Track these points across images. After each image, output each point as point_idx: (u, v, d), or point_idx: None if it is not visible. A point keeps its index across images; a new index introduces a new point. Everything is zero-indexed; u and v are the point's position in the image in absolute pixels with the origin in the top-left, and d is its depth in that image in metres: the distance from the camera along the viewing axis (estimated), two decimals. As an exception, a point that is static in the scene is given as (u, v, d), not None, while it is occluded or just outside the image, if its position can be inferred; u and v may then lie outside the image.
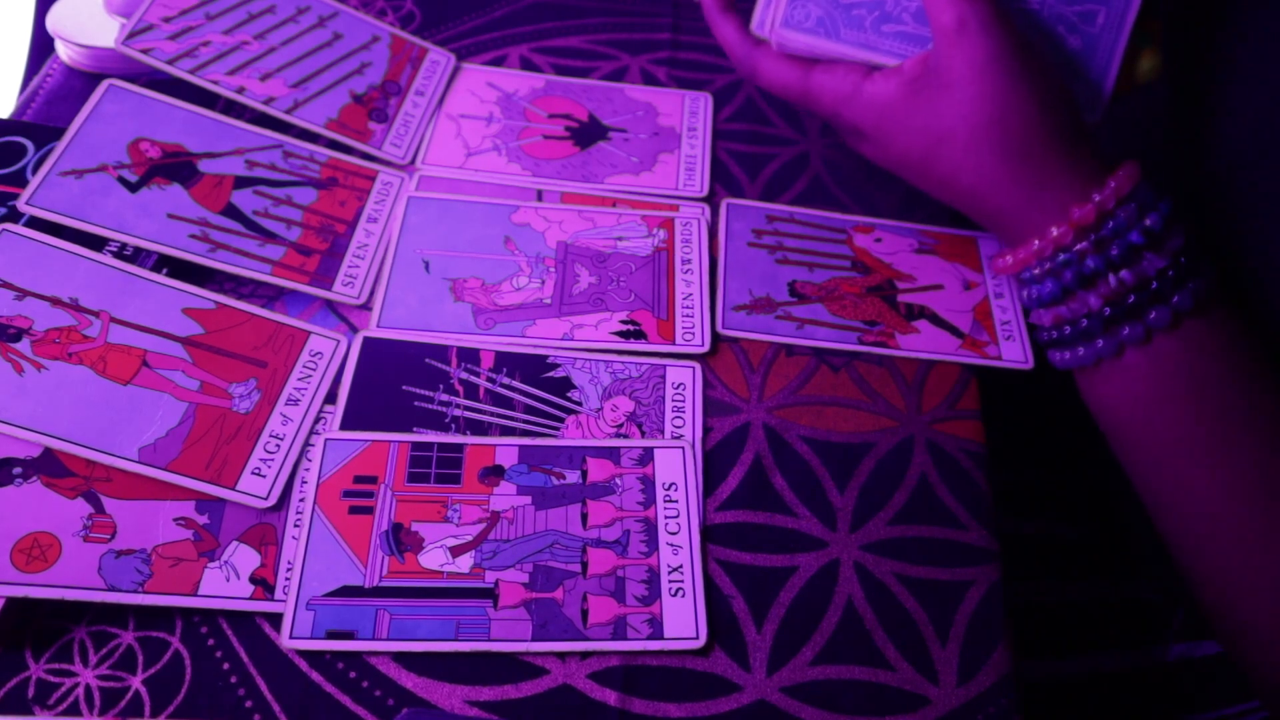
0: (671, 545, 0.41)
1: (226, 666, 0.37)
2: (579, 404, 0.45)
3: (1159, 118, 0.52)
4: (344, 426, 0.43)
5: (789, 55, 0.46)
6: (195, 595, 0.38)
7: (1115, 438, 0.43)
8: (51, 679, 0.37)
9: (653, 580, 0.40)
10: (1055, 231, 0.41)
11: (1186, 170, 0.48)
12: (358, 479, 0.41)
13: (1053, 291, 0.41)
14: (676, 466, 0.43)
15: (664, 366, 0.46)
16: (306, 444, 0.43)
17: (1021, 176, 0.41)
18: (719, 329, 0.48)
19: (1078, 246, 0.40)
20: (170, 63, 0.52)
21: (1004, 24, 0.41)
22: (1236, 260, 0.44)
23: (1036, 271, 0.42)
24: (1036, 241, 0.41)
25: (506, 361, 0.46)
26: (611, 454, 0.43)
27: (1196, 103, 0.48)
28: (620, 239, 0.51)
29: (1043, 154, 0.41)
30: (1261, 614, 0.39)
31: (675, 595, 0.40)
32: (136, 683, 0.37)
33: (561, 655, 0.38)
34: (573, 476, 0.42)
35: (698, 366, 0.47)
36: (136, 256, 0.46)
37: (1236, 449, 0.39)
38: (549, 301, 0.48)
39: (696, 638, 0.39)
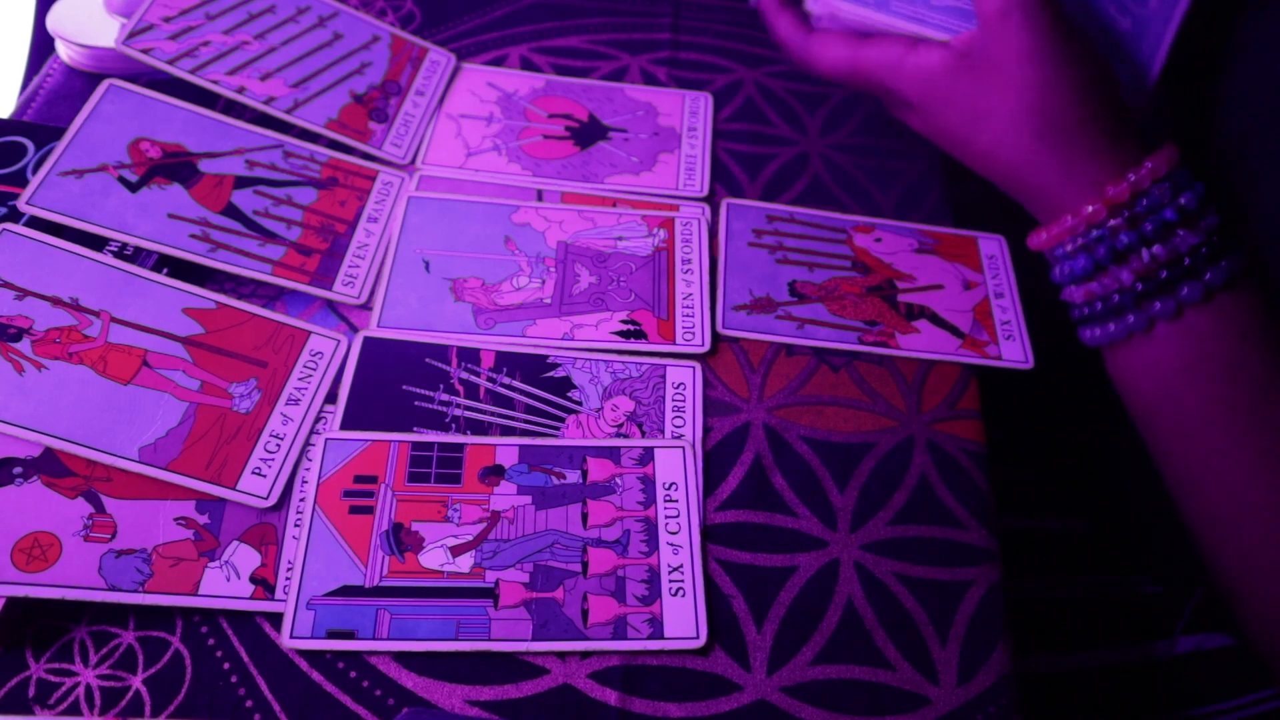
0: (671, 545, 0.41)
1: (227, 666, 0.37)
2: (579, 404, 0.45)
3: (1158, 115, 0.52)
4: (344, 426, 0.43)
5: (839, 35, 0.48)
6: (195, 595, 0.38)
7: (1143, 416, 0.43)
8: (52, 679, 0.37)
9: (653, 580, 0.40)
10: (1090, 209, 0.41)
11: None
12: (358, 479, 0.41)
13: (1085, 267, 0.42)
14: (676, 466, 0.43)
15: (664, 366, 0.46)
16: (307, 444, 0.43)
17: (1059, 156, 0.42)
18: (719, 329, 0.48)
19: (1111, 223, 0.41)
20: (170, 63, 0.52)
21: (1048, 9, 0.41)
22: None
23: (1069, 247, 0.42)
24: (1070, 218, 0.42)
25: (507, 361, 0.46)
26: (612, 454, 0.43)
27: (1190, 101, 0.48)
28: (620, 239, 0.51)
29: (1082, 136, 0.42)
30: None
31: (675, 595, 0.40)
32: (137, 682, 0.37)
33: (562, 655, 0.38)
34: (573, 476, 0.42)
35: (698, 366, 0.47)
36: (137, 256, 0.46)
37: (1264, 426, 0.39)
38: (549, 301, 0.48)
39: (696, 637, 0.39)
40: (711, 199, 0.54)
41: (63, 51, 0.56)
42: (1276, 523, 0.39)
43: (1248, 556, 0.40)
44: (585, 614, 0.39)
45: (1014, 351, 0.49)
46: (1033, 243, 0.44)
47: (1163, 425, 0.42)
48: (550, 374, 0.46)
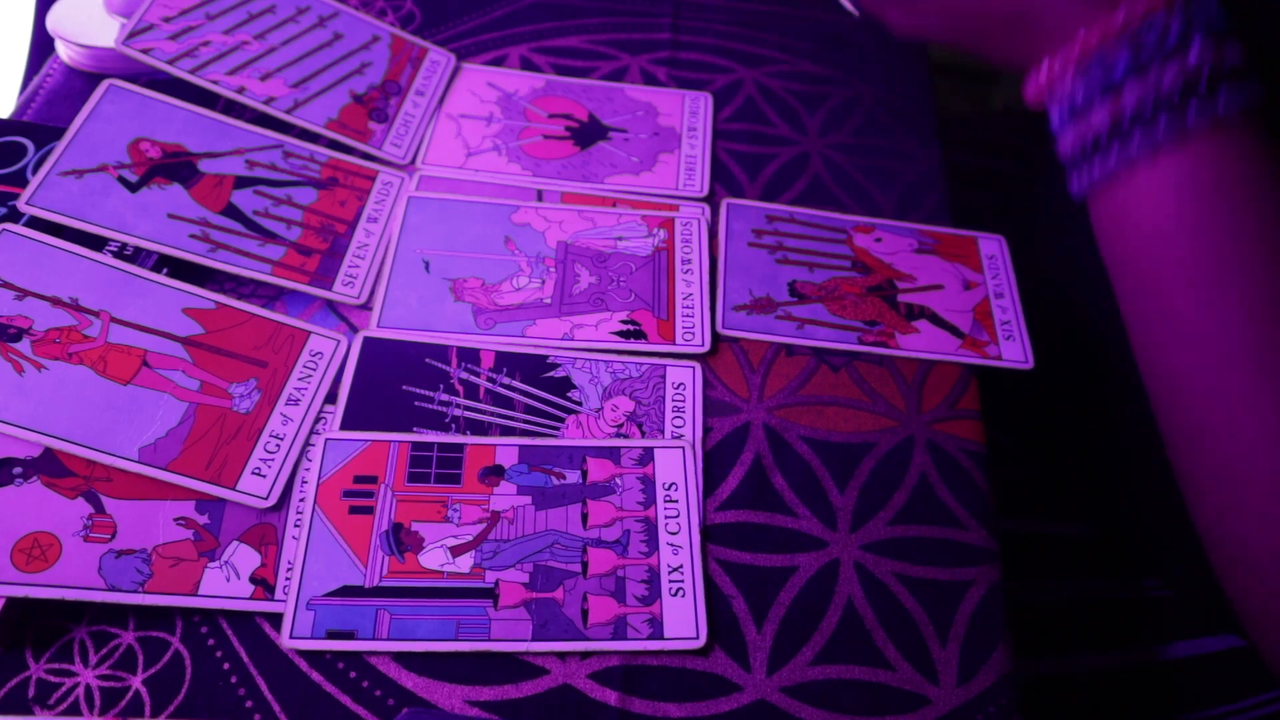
0: (671, 545, 0.41)
1: (227, 666, 0.37)
2: (579, 404, 0.45)
3: None
4: (344, 426, 0.43)
5: None
6: (195, 595, 0.38)
7: (1138, 265, 0.40)
8: (52, 679, 0.37)
9: (653, 580, 0.40)
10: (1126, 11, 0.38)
11: None
12: (358, 479, 0.41)
13: (1127, 66, 0.38)
14: (676, 466, 0.43)
15: (664, 366, 0.46)
16: (307, 444, 0.43)
17: None
18: (719, 329, 0.48)
19: (1164, 14, 0.37)
20: (170, 63, 0.52)
21: None
22: None
23: (1112, 51, 0.39)
24: (1123, 10, 0.38)
25: (506, 361, 0.46)
26: (611, 454, 0.43)
27: None
28: (620, 239, 0.51)
29: None
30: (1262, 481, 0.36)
31: (675, 595, 0.40)
32: (137, 682, 0.37)
33: (562, 655, 0.38)
34: (573, 476, 0.42)
35: (698, 366, 0.47)
36: (136, 256, 0.46)
37: (1266, 269, 0.37)
38: (549, 301, 0.48)
39: (696, 638, 0.39)
40: (711, 199, 0.54)
41: (63, 51, 0.56)
42: (1265, 369, 0.36)
43: (1226, 441, 0.37)
44: (585, 614, 0.39)
45: (1014, 351, 0.49)
46: (1041, 80, 0.40)
47: (1159, 270, 0.39)
48: (550, 374, 0.46)
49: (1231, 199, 0.38)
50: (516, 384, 0.45)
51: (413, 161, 0.54)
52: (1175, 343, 0.40)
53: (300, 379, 0.44)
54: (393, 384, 0.45)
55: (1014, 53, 0.42)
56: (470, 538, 0.40)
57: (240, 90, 0.52)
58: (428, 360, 0.45)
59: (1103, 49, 0.39)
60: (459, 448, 0.43)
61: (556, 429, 0.44)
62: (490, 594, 0.39)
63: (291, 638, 0.37)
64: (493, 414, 0.44)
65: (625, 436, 0.44)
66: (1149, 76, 0.38)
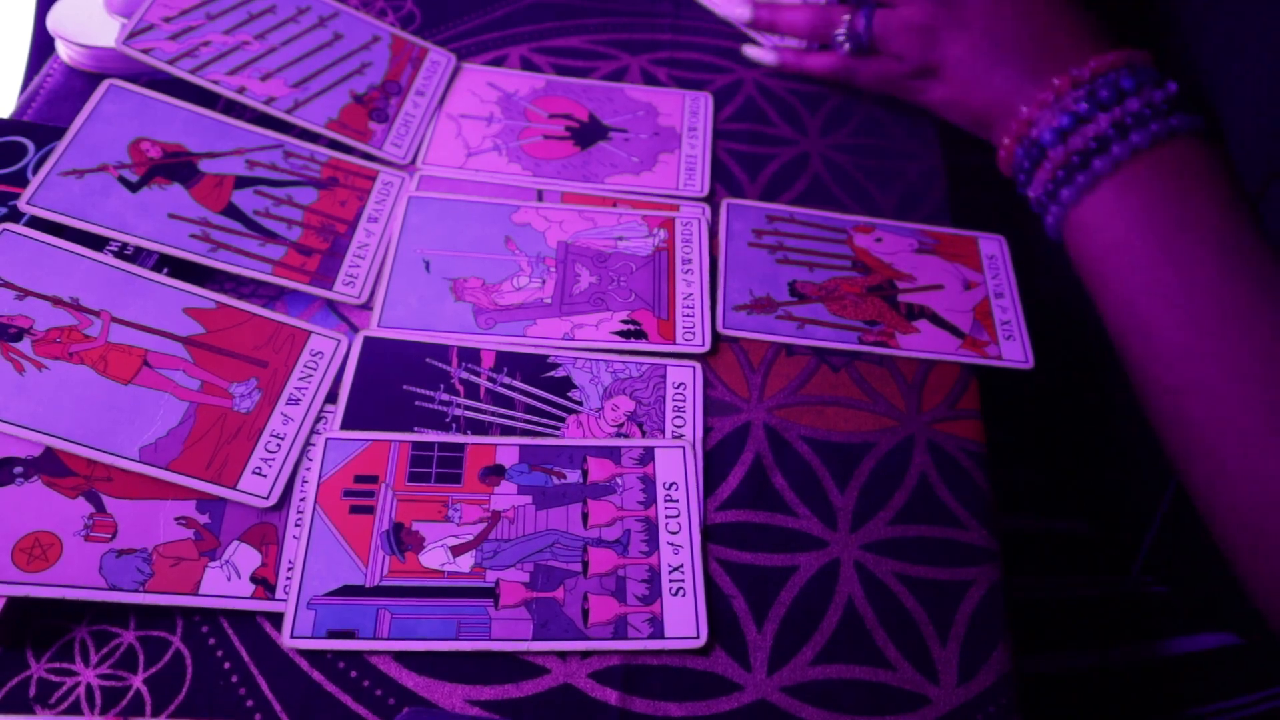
0: (672, 545, 0.41)
1: (227, 666, 0.37)
2: (579, 404, 0.45)
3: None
4: (345, 426, 0.43)
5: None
6: (196, 595, 0.38)
7: (1106, 271, 0.46)
8: (52, 678, 0.37)
9: (653, 580, 0.40)
10: (1093, 62, 0.46)
11: None
12: (358, 478, 0.41)
13: (1087, 109, 0.46)
14: (677, 466, 0.43)
15: (664, 366, 0.46)
16: (307, 443, 0.43)
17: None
18: (719, 329, 0.48)
19: (1111, 76, 0.46)
20: (171, 63, 0.52)
21: None
22: None
23: (1069, 100, 0.47)
24: (1097, 59, 0.47)
25: (507, 361, 0.46)
26: (612, 453, 0.43)
27: None
28: (620, 239, 0.51)
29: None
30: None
31: (676, 595, 0.40)
32: (137, 682, 0.37)
33: (562, 655, 0.38)
34: (573, 476, 0.42)
35: (698, 366, 0.47)
36: (137, 256, 0.46)
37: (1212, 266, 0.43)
38: (549, 301, 0.48)
39: (697, 637, 0.39)
40: (711, 199, 0.54)
41: (63, 51, 0.56)
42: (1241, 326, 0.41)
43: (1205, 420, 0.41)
44: (585, 614, 0.39)
45: (1014, 351, 0.49)
46: (1024, 114, 0.48)
47: (1132, 274, 0.44)
48: (550, 374, 0.46)
49: (1180, 203, 0.44)
50: (517, 384, 0.45)
51: (413, 161, 0.54)
52: (1149, 350, 0.44)
53: (301, 379, 0.44)
54: (393, 384, 0.45)
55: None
56: (471, 537, 0.40)
57: (240, 90, 0.52)
58: (428, 360, 0.46)
59: (1061, 99, 0.47)
60: (459, 447, 0.43)
61: (557, 429, 0.44)
62: (491, 593, 0.39)
63: (292, 637, 0.37)
64: (493, 414, 0.44)
65: (625, 436, 0.44)
66: (1106, 115, 0.46)
